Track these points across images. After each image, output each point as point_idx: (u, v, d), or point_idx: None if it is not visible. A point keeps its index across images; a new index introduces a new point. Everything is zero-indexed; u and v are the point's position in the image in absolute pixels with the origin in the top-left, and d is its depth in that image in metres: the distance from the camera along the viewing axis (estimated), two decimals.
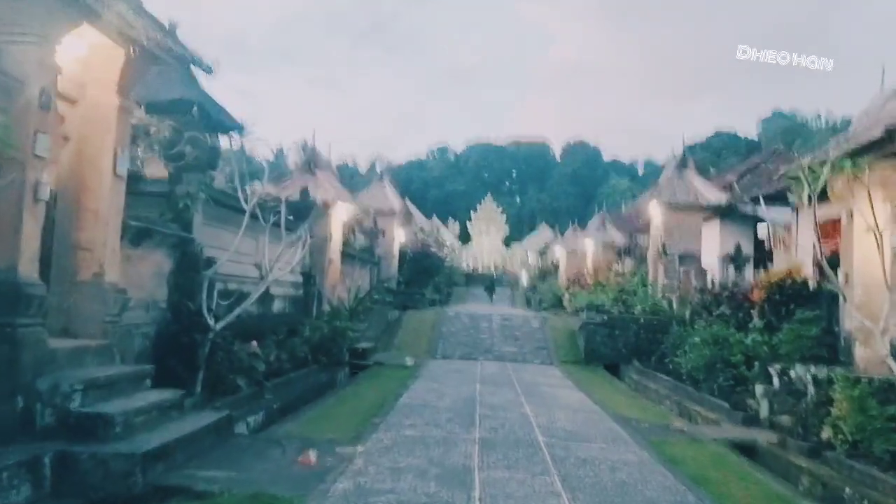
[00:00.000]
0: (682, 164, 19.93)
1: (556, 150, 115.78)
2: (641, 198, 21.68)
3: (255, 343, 10.91)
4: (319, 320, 15.63)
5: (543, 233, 70.97)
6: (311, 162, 17.27)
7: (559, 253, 41.75)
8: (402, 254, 29.34)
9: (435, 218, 60.49)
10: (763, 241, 21.64)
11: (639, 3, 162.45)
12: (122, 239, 7.96)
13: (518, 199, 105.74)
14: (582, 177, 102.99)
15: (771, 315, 11.78)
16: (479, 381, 13.87)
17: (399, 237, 28.40)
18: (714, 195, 19.28)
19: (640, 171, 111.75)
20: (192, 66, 8.72)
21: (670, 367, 15.75)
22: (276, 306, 13.94)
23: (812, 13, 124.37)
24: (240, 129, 14.11)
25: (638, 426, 9.80)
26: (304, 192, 16.23)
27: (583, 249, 35.79)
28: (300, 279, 15.70)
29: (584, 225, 43.98)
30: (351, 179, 49.98)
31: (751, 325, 12.02)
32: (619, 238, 33.18)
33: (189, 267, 9.77)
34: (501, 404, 10.76)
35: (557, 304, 33.78)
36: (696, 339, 14.56)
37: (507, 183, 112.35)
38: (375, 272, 24.96)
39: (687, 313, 17.36)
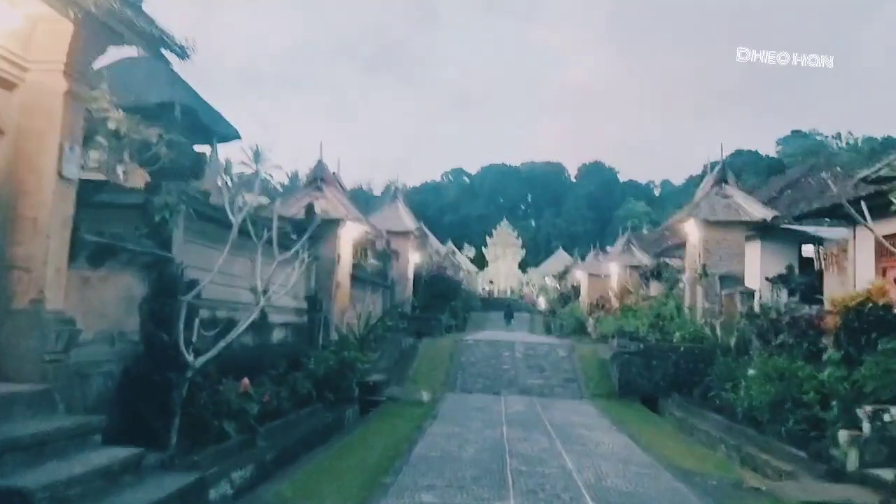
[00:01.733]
0: (720, 178, 18.26)
1: (572, 172, 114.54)
2: (675, 216, 20.04)
3: (246, 381, 9.34)
4: (326, 351, 14.05)
5: (560, 257, 69.41)
6: (319, 177, 15.81)
7: (580, 276, 40.01)
8: (417, 277, 27.76)
9: (450, 243, 58.97)
10: (809, 262, 19.95)
11: (648, 26, 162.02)
12: (77, 257, 6.49)
13: (534, 223, 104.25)
14: (598, 199, 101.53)
15: (849, 345, 10.06)
16: (505, 421, 12.21)
17: (414, 259, 26.86)
18: (758, 211, 17.60)
19: (657, 193, 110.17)
20: (197, 74, 7.33)
21: (717, 402, 14.06)
22: (276, 336, 12.40)
23: (832, 38, 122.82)
24: (237, 136, 12.75)
25: (704, 483, 8.10)
26: (310, 209, 14.76)
27: (606, 273, 34.06)
28: (304, 305, 14.16)
29: (603, 248, 42.54)
30: (366, 204, 48.63)
31: (824, 357, 10.28)
32: (645, 260, 31.47)
33: (166, 291, 8.24)
34: (536, 455, 9.06)
35: (580, 329, 32.13)
36: (752, 372, 12.89)
37: (523, 207, 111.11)
38: (388, 296, 23.38)
39: (732, 341, 15.66)
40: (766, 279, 15.58)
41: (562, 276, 51.83)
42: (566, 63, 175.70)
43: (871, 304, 9.97)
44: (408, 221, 25.33)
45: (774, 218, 17.37)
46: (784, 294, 14.99)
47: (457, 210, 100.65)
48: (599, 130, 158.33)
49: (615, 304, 30.63)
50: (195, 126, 11.43)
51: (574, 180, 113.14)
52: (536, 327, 38.54)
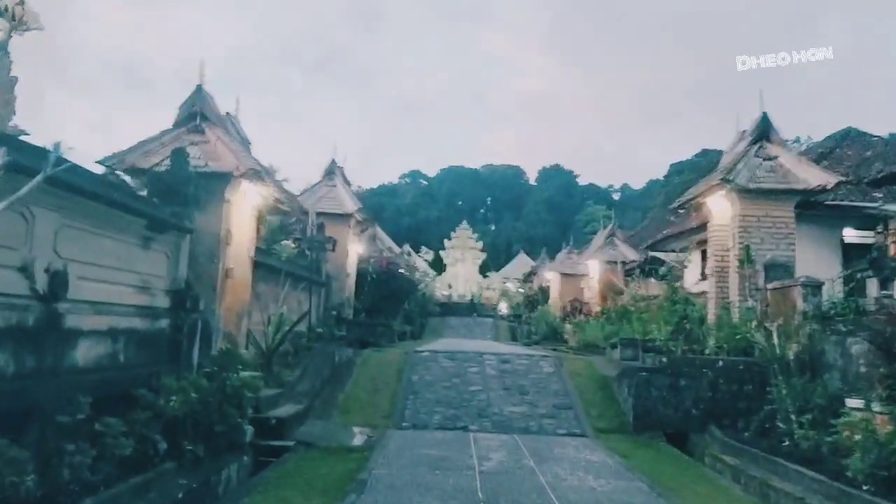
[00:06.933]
0: (762, 134, 13.59)
1: (531, 175, 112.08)
2: (695, 187, 15.40)
3: None
4: (199, 373, 8.97)
5: (523, 261, 65.55)
6: (198, 112, 10.64)
7: (551, 277, 35.46)
8: (362, 274, 22.64)
9: (407, 246, 54.31)
10: (852, 251, 15.59)
11: (602, 31, 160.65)
12: None
13: (493, 227, 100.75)
14: (558, 203, 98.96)
15: None
16: (480, 492, 7.27)
17: (356, 250, 21.71)
18: (814, 175, 13.04)
19: (617, 197, 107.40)
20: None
21: (786, 442, 9.50)
22: (90, 353, 7.19)
23: (789, 38, 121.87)
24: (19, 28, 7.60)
25: None
26: (180, 156, 9.65)
27: (584, 271, 29.59)
28: (165, 302, 9.02)
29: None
30: None
31: None
32: (631, 255, 27.03)
33: None
34: None
35: (553, 336, 27.52)
36: (858, 403, 8.34)
37: (482, 210, 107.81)
38: (322, 295, 18.23)
39: (791, 353, 11.05)
40: (842, 266, 11.06)
41: (527, 278, 47.48)
42: (520, 68, 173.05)
43: None
44: (347, 203, 20.13)
45: (839, 183, 12.82)
46: (874, 285, 10.46)
47: (414, 213, 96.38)
48: (558, 134, 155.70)
49: (597, 305, 26.09)
50: None
51: (533, 184, 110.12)
52: (502, 334, 33.85)
